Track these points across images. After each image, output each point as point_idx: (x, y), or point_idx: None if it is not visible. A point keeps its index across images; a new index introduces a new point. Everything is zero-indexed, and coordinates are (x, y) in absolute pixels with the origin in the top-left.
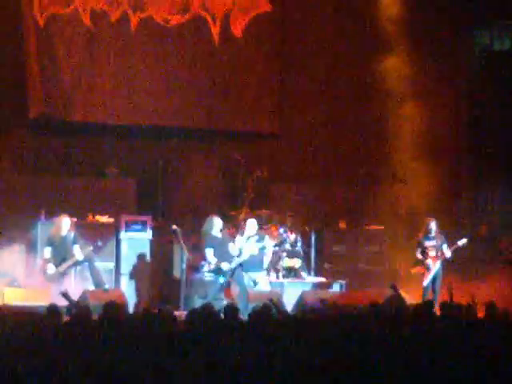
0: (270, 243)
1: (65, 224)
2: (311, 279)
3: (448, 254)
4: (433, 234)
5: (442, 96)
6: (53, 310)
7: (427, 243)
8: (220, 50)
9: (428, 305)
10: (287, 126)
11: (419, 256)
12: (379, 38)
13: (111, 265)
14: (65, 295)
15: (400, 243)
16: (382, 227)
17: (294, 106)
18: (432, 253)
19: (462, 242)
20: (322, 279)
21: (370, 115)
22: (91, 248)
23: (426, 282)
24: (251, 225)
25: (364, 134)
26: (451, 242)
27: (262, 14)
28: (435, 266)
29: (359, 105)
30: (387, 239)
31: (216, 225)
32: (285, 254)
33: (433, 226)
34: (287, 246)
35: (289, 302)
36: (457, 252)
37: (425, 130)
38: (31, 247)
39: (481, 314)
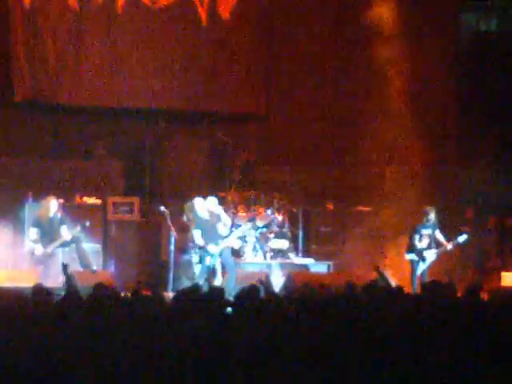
0: (227, 220)
1: (52, 205)
2: (299, 260)
3: (450, 247)
4: (431, 222)
5: (431, 76)
6: (38, 290)
7: (424, 231)
8: (207, 32)
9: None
10: (275, 107)
11: (418, 244)
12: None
13: (98, 246)
14: (65, 268)
15: (387, 224)
16: (370, 208)
17: (282, 87)
18: (426, 240)
19: (463, 238)
20: (310, 260)
21: (359, 96)
22: (79, 228)
23: (420, 271)
24: (211, 202)
25: (352, 116)
26: (450, 237)
27: None
28: (431, 258)
29: (347, 85)
30: (374, 220)
31: (198, 206)
32: (272, 235)
33: (432, 215)
34: (275, 228)
35: (276, 283)
36: (458, 247)
37: (414, 110)
38: (18, 229)
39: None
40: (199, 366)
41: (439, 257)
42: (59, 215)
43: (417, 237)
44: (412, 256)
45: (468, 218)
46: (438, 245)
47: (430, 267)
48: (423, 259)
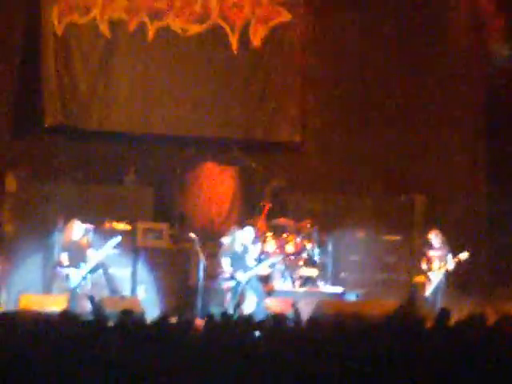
0: (256, 250)
1: (77, 229)
2: (327, 288)
3: (450, 266)
4: (437, 245)
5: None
6: (67, 316)
7: (431, 253)
8: (238, 59)
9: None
10: (305, 135)
11: (424, 266)
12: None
13: (128, 272)
14: (91, 300)
15: (416, 253)
16: (399, 237)
17: (314, 115)
18: (436, 263)
19: (464, 255)
20: (339, 289)
21: (392, 128)
22: (113, 243)
23: (428, 292)
24: (247, 233)
25: (383, 146)
26: (455, 254)
27: (282, 24)
28: (437, 278)
29: (380, 117)
30: (404, 249)
31: (238, 238)
32: (301, 263)
33: (435, 237)
34: (304, 255)
35: (305, 312)
36: (459, 265)
37: (442, 139)
38: (48, 254)
39: None
40: None
41: (446, 277)
42: (86, 238)
43: (425, 260)
44: (419, 279)
45: None
46: (444, 265)
47: (440, 288)
48: (429, 280)
